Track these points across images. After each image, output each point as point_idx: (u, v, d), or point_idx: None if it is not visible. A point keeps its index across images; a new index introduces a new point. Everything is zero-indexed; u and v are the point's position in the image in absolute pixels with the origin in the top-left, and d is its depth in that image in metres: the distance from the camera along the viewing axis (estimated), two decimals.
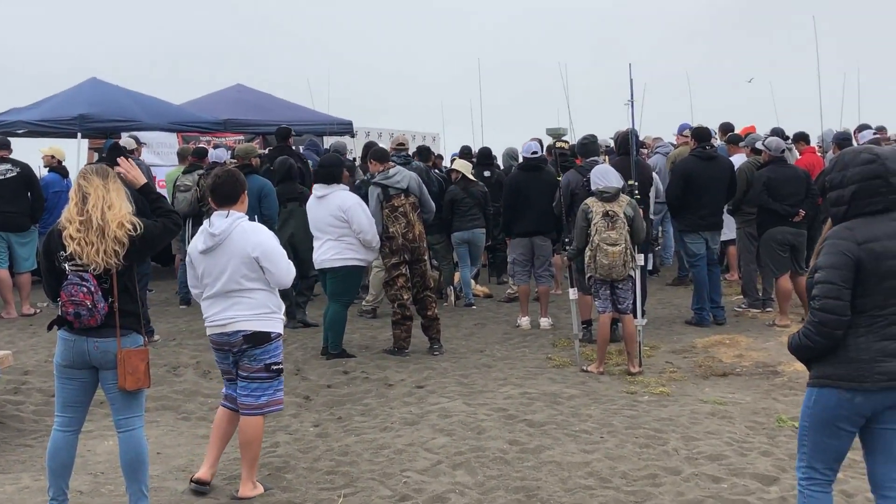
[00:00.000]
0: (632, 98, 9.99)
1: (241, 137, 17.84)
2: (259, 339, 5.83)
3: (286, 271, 5.93)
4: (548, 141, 14.00)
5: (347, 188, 10.24)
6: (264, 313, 5.88)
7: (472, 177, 13.11)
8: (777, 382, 8.60)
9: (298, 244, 11.17)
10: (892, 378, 4.08)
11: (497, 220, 13.01)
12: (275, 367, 5.93)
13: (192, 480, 6.10)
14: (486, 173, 14.25)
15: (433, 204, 10.39)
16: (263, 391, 5.91)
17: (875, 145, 4.90)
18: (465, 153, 16.17)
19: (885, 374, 4.08)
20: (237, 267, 5.82)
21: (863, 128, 13.88)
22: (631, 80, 9.76)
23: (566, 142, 13.33)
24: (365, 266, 10.42)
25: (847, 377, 4.14)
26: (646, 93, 15.15)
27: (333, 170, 9.96)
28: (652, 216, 13.82)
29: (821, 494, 4.34)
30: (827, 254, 4.19)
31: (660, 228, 15.37)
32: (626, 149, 10.25)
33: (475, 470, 6.30)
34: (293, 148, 14.31)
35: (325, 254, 9.85)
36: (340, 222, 9.72)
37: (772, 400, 8.00)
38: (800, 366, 8.65)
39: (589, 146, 10.54)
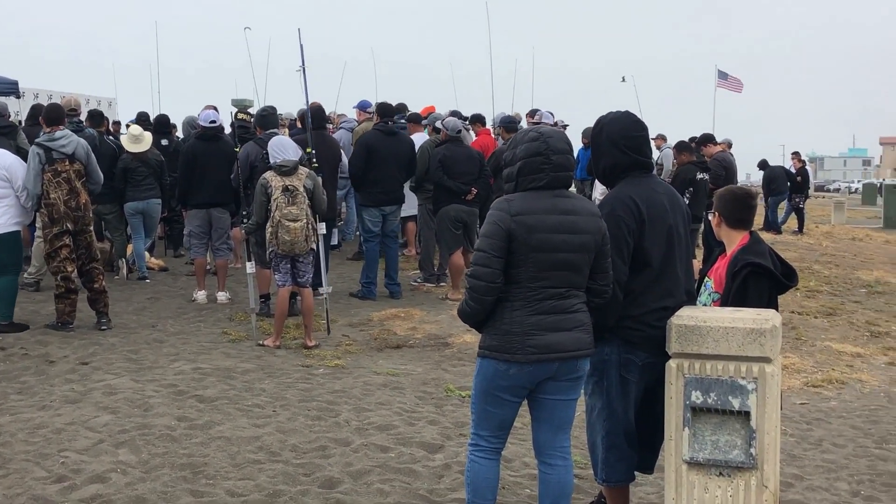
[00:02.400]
0: (303, 65, 9.90)
1: None
2: None
3: None
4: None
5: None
6: None
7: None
8: (447, 354, 8.88)
9: None
10: (544, 351, 4.24)
11: (174, 191, 12.53)
12: None
13: None
14: (164, 142, 13.71)
15: (101, 175, 9.78)
16: None
17: (544, 125, 5.11)
18: (141, 119, 15.48)
19: (536, 346, 4.23)
20: None
21: (534, 112, 14.62)
22: (301, 46, 9.65)
23: (249, 113, 13.07)
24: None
25: (501, 349, 4.27)
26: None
27: None
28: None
29: (485, 461, 4.46)
30: (485, 224, 4.33)
31: (343, 203, 15.47)
32: (316, 123, 10.18)
33: (139, 448, 6.02)
34: None
35: None
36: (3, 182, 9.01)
37: (441, 371, 8.25)
38: (469, 337, 9.05)
39: (268, 118, 10.39)
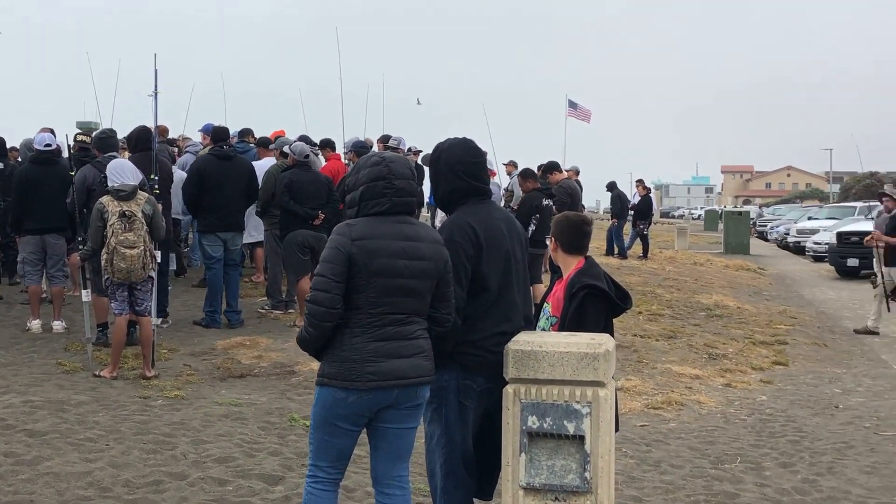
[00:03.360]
0: (156, 90, 9.66)
1: None
2: None
3: None
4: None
5: None
6: None
7: None
8: (293, 382, 8.72)
9: None
10: (384, 378, 4.18)
11: (7, 216, 11.97)
12: None
13: None
14: (0, 165, 13.12)
15: None
16: None
17: (388, 151, 5.09)
18: None
19: (375, 373, 4.17)
20: None
21: (386, 138, 14.62)
22: (156, 71, 9.44)
23: (88, 135, 12.63)
24: None
25: (340, 376, 4.19)
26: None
27: None
28: (181, 216, 13.55)
29: (322, 492, 4.35)
30: (325, 249, 4.26)
31: (189, 228, 15.12)
32: (146, 145, 9.90)
33: None
34: None
35: None
36: None
37: (287, 399, 8.09)
38: (316, 365, 8.90)
39: (107, 140, 10.06)
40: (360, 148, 12.91)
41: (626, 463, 6.98)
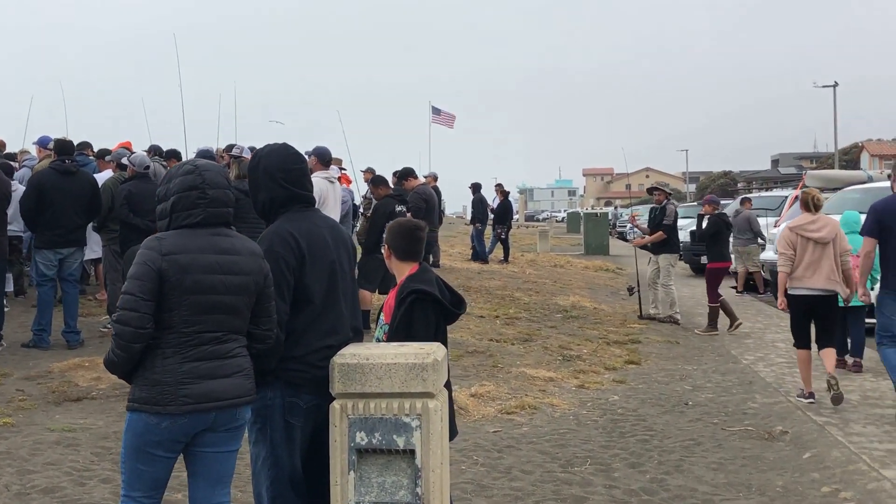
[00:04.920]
0: None
1: None
2: None
3: None
4: None
5: None
6: None
7: None
8: None
9: None
10: (200, 400, 3.94)
11: None
12: None
13: None
14: None
15: None
16: None
17: (202, 158, 4.83)
18: None
19: (191, 396, 3.93)
20: None
21: (230, 147, 14.22)
22: None
23: None
24: None
25: (152, 401, 3.93)
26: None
27: None
28: (21, 233, 12.89)
29: None
30: (133, 264, 3.98)
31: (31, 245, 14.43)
32: None
33: None
34: None
35: None
36: None
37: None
38: None
39: None
40: (205, 157, 12.51)
41: (477, 471, 6.87)
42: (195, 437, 4.05)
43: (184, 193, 4.10)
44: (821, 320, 9.30)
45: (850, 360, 10.89)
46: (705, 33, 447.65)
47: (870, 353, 11.57)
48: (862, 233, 8.96)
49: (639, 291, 15.57)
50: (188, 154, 15.16)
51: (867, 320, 10.92)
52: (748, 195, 23.91)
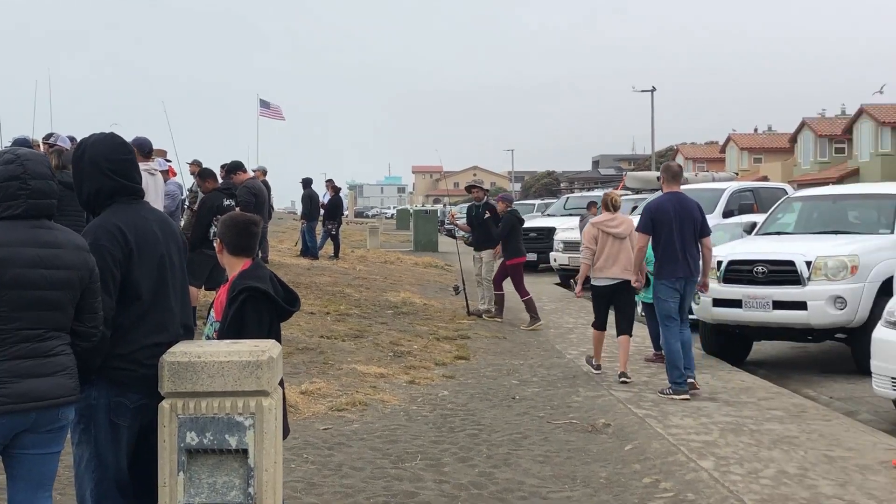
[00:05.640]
0: None
1: None
2: None
3: None
4: None
5: None
6: None
7: None
8: None
9: None
10: (19, 400, 3.76)
11: None
12: None
13: None
14: None
15: None
16: None
17: (21, 147, 4.60)
18: None
19: (9, 395, 3.74)
20: None
21: (49, 136, 13.62)
22: None
23: None
24: None
25: None
26: None
27: None
28: None
29: None
30: None
31: None
32: None
33: None
34: None
35: None
36: None
37: None
38: None
39: None
40: (21, 146, 11.94)
41: (307, 469, 6.82)
42: (14, 439, 3.86)
43: (4, 184, 3.91)
44: (620, 305, 10.56)
45: (654, 354, 11.44)
46: (535, 36, 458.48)
47: None
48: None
49: (464, 289, 15.79)
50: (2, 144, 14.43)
51: None
52: (594, 200, 24.62)
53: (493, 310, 15.21)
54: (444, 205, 73.14)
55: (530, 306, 14.75)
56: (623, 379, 10.12)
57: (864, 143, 59.40)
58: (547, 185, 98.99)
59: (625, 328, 10.43)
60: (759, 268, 11.22)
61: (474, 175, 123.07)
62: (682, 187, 10.41)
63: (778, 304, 11.00)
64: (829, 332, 11.22)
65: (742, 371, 11.05)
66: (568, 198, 32.43)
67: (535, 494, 6.40)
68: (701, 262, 9.74)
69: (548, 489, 6.53)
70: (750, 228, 13.80)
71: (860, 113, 59.69)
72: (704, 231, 9.71)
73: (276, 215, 37.02)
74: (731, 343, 12.14)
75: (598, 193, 27.57)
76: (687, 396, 9.26)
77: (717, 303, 11.45)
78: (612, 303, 10.58)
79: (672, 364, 9.41)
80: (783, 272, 11.09)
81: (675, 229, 9.50)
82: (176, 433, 3.95)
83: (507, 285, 15.18)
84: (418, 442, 7.67)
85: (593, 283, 10.56)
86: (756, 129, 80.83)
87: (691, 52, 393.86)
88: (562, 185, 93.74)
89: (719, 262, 11.51)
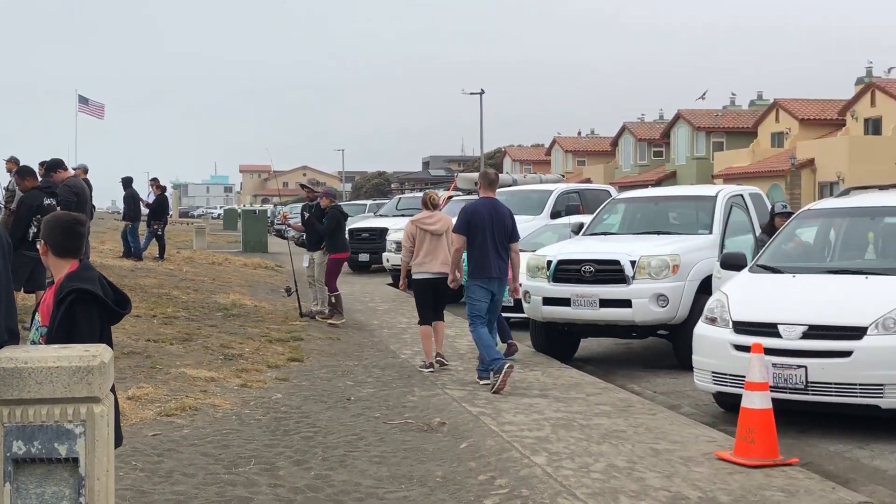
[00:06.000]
0: None
1: None
2: None
3: None
4: None
5: None
6: None
7: None
8: None
9: None
10: None
11: None
12: None
13: None
14: None
15: None
16: None
17: None
18: None
19: None
20: None
21: None
22: None
23: None
24: None
25: None
26: None
27: None
28: None
29: None
30: None
31: None
32: None
33: None
34: None
35: None
36: None
37: None
38: None
39: None
40: None
41: (136, 476, 6.59)
42: None
43: None
44: (438, 298, 11.04)
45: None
46: (363, 38, 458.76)
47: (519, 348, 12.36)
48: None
49: (297, 290, 15.64)
50: None
51: (506, 314, 11.81)
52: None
53: (327, 311, 15.09)
54: (275, 205, 72.29)
55: (337, 302, 14.83)
56: (439, 359, 10.86)
57: (680, 147, 62.20)
58: (378, 186, 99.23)
59: (439, 316, 11.05)
60: (587, 267, 11.54)
61: (304, 174, 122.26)
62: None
63: (605, 303, 11.35)
64: (653, 329, 11.66)
65: (571, 368, 11.33)
66: (400, 198, 32.54)
67: (372, 495, 6.38)
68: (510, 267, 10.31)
69: (384, 490, 6.52)
70: (577, 229, 14.18)
71: (677, 118, 62.46)
72: (514, 237, 10.30)
73: (98, 215, 35.73)
74: (559, 341, 12.43)
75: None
76: (489, 382, 9.75)
77: (547, 301, 11.71)
78: (433, 295, 11.00)
79: (485, 345, 9.94)
80: (609, 271, 11.45)
81: (489, 233, 10.01)
82: (2, 442, 3.76)
83: (344, 285, 15.14)
84: (252, 446, 7.54)
85: (414, 277, 11.09)
86: (580, 133, 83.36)
87: (518, 59, 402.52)
88: (393, 185, 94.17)
89: (549, 262, 11.81)
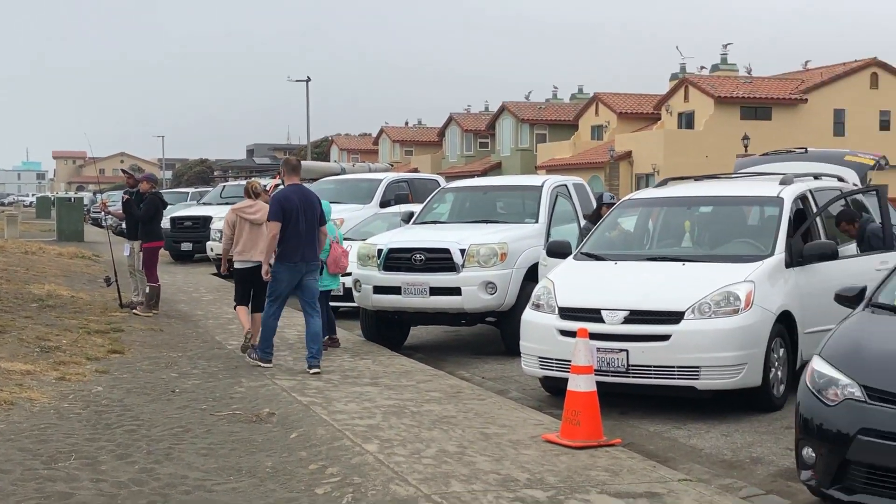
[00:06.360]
0: None
1: None
2: None
3: None
4: None
5: None
6: None
7: None
8: None
9: None
10: None
11: None
12: None
13: None
14: None
15: None
16: None
17: None
18: None
19: None
20: None
21: None
22: None
23: None
24: None
25: None
26: None
27: None
28: None
29: None
30: None
31: None
32: None
33: None
34: None
35: None
36: None
37: None
38: None
39: None
40: None
41: None
42: None
43: None
44: (257, 286, 10.85)
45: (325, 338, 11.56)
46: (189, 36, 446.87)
47: (345, 335, 12.33)
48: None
49: (116, 280, 15.06)
50: None
51: (335, 304, 11.77)
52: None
53: (144, 301, 14.55)
54: (94, 192, 69.70)
55: (152, 293, 14.34)
56: (246, 342, 10.81)
57: (505, 138, 63.42)
58: (200, 174, 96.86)
59: (258, 306, 10.88)
60: (418, 255, 11.59)
61: (122, 161, 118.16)
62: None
63: (435, 290, 11.43)
64: (481, 316, 11.83)
65: (401, 356, 11.36)
66: (224, 186, 31.88)
67: (200, 488, 6.23)
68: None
69: (213, 482, 6.37)
70: (407, 218, 14.23)
71: (502, 110, 63.65)
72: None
73: None
74: (389, 329, 12.45)
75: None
76: (270, 366, 10.30)
77: (378, 290, 11.71)
78: (252, 282, 10.96)
79: (266, 336, 10.36)
80: (439, 259, 11.54)
81: (301, 218, 10.08)
82: None
83: (166, 275, 14.69)
84: (72, 440, 7.23)
85: (235, 265, 11.12)
86: (407, 123, 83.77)
87: (348, 49, 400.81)
88: (216, 173, 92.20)
89: (379, 251, 11.81)
